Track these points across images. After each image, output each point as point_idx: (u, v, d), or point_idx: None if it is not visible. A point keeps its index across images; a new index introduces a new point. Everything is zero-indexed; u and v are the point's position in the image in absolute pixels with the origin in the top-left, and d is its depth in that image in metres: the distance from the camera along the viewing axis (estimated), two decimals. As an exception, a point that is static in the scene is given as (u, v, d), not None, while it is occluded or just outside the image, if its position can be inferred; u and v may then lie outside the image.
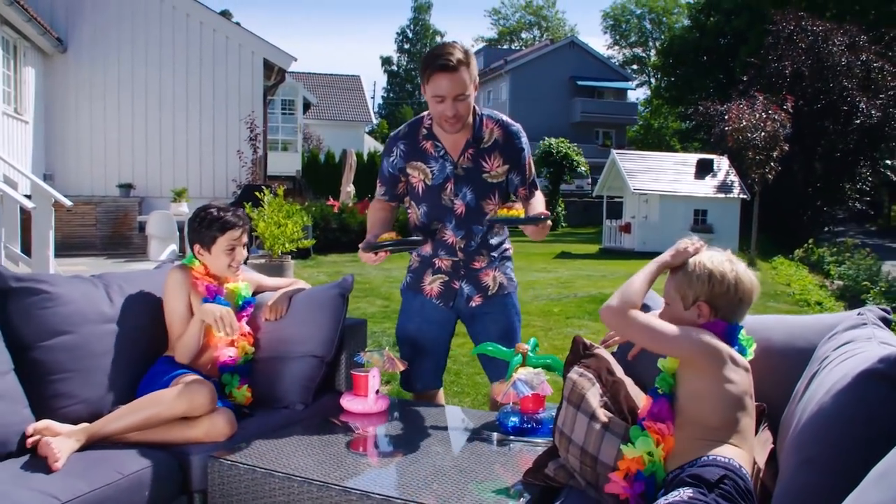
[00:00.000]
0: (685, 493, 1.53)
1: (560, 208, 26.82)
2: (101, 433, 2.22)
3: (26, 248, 6.56)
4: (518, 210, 2.55)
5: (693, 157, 19.92)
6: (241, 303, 2.78)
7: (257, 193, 7.52)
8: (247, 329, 2.77)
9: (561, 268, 12.84)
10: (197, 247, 2.69)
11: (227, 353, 2.66)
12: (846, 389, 1.35)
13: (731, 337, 1.84)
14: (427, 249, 2.85)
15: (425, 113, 2.76)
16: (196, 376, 2.43)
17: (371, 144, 35.99)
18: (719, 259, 1.87)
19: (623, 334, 1.91)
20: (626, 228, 19.09)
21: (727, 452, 1.66)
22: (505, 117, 2.77)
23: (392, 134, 2.82)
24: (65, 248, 10.95)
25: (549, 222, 2.56)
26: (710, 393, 1.72)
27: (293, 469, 2.06)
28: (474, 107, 2.68)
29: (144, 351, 2.59)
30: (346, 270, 10.68)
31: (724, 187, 18.47)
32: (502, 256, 2.86)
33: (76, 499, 1.88)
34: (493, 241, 2.82)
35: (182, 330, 2.58)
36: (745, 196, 18.13)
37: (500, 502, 1.86)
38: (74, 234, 11.94)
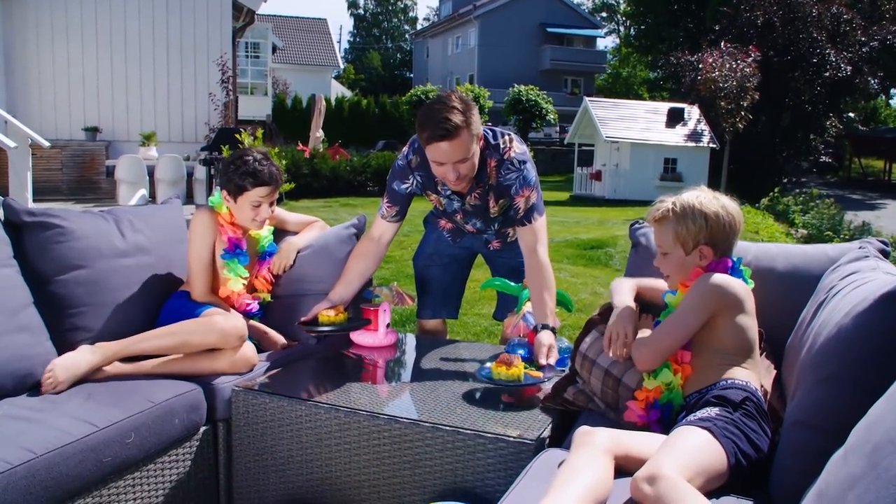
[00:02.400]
0: (712, 411, 1.63)
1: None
2: (129, 350, 2.28)
3: (2, 191, 6.44)
4: (517, 367, 2.20)
5: (664, 106, 20.02)
6: (262, 251, 2.77)
7: (237, 136, 7.44)
8: (269, 277, 2.79)
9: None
10: (224, 192, 2.61)
11: (246, 301, 2.68)
12: (867, 311, 1.45)
13: (735, 271, 1.91)
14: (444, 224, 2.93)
15: None
16: (224, 311, 2.47)
17: (338, 89, 35.48)
18: (708, 199, 1.89)
19: (664, 356, 1.84)
20: (597, 176, 19.23)
21: (742, 375, 1.77)
22: (506, 142, 2.57)
23: (403, 159, 2.67)
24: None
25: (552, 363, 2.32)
26: (725, 323, 1.81)
27: (318, 396, 2.14)
28: (485, 139, 2.53)
29: (159, 285, 2.62)
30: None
31: (695, 136, 18.66)
32: None
33: (112, 425, 1.94)
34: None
35: (204, 275, 2.58)
36: (714, 145, 18.35)
37: (524, 424, 1.96)
38: (39, 179, 11.66)
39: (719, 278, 1.83)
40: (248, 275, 2.67)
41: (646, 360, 1.85)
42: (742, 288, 1.85)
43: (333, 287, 2.67)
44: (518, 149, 2.58)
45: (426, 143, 2.37)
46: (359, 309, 2.76)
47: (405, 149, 2.69)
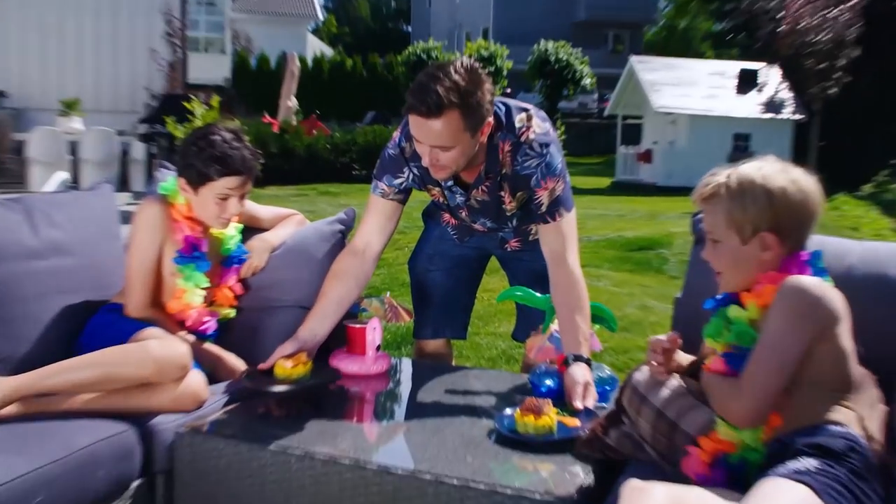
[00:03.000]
0: (810, 462, 1.58)
1: (559, 132, 26.82)
2: (36, 388, 2.23)
3: None
4: (548, 416, 2.17)
5: (734, 67, 20.03)
6: (227, 254, 2.76)
7: (186, 104, 7.46)
8: (237, 290, 2.79)
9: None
10: (182, 180, 2.58)
11: (204, 319, 2.66)
12: None
13: (815, 268, 1.84)
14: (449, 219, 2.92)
15: None
16: (164, 332, 2.45)
17: (316, 46, 35.54)
18: (774, 171, 1.84)
19: (768, 403, 1.74)
20: (646, 157, 19.26)
21: (841, 418, 1.72)
22: (523, 119, 2.55)
23: (394, 147, 2.67)
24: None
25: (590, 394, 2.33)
26: (823, 347, 1.74)
27: (288, 441, 2.11)
28: (496, 118, 2.51)
29: (82, 296, 2.61)
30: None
31: (773, 106, 18.67)
32: None
33: (14, 480, 1.87)
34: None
35: (145, 284, 2.57)
36: (799, 117, 18.33)
37: (554, 477, 1.94)
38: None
39: (813, 286, 1.76)
40: (207, 284, 2.66)
41: (747, 415, 1.73)
42: (841, 298, 1.80)
43: (305, 319, 2.63)
44: (539, 128, 2.56)
45: (405, 110, 2.38)
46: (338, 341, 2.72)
47: (396, 134, 2.68)
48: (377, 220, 2.69)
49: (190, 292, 2.61)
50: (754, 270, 1.86)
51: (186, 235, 2.59)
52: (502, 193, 2.64)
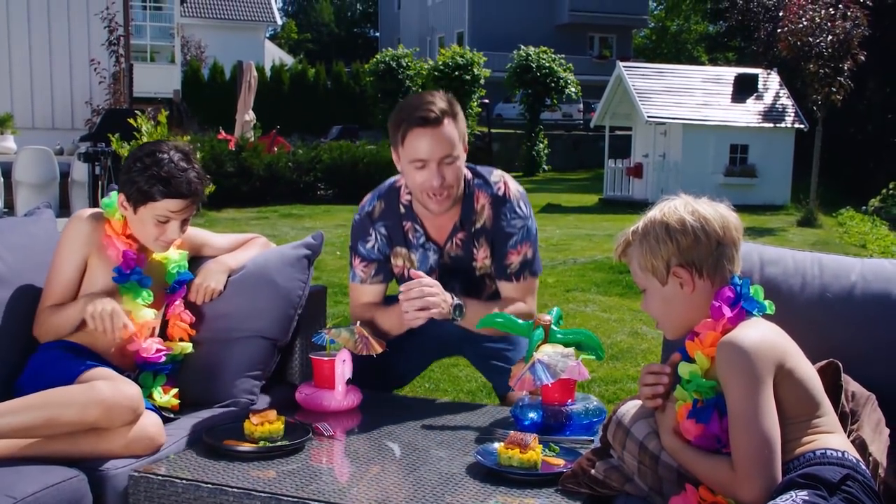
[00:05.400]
0: (798, 495, 1.65)
1: (542, 146, 27.01)
2: None
3: None
4: (534, 450, 2.20)
5: (730, 72, 20.22)
6: (171, 280, 2.78)
7: (131, 121, 7.47)
8: (187, 318, 2.80)
9: (550, 225, 13.08)
10: (122, 197, 2.62)
11: (153, 347, 2.66)
12: None
13: (743, 297, 1.94)
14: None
15: (398, 178, 2.88)
16: (113, 373, 2.45)
17: (275, 54, 35.58)
18: (670, 207, 1.99)
19: (774, 469, 1.78)
20: (637, 171, 19.37)
21: (832, 444, 1.80)
22: (497, 176, 2.86)
23: (363, 210, 2.92)
24: None
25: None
26: (781, 386, 1.83)
27: (253, 483, 2.13)
28: (466, 173, 2.81)
29: (21, 331, 2.62)
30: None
31: (774, 114, 18.83)
32: None
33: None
34: None
35: (59, 297, 2.60)
36: (801, 126, 18.51)
37: (539, 517, 1.98)
38: None
39: (746, 340, 1.82)
40: (152, 299, 2.67)
41: (762, 495, 1.75)
42: (777, 333, 1.89)
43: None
44: (516, 186, 2.87)
45: (403, 137, 2.64)
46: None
47: (366, 198, 2.92)
48: (367, 288, 2.93)
49: (134, 307, 2.62)
50: (687, 310, 1.98)
51: (125, 250, 2.63)
52: (474, 250, 2.83)
